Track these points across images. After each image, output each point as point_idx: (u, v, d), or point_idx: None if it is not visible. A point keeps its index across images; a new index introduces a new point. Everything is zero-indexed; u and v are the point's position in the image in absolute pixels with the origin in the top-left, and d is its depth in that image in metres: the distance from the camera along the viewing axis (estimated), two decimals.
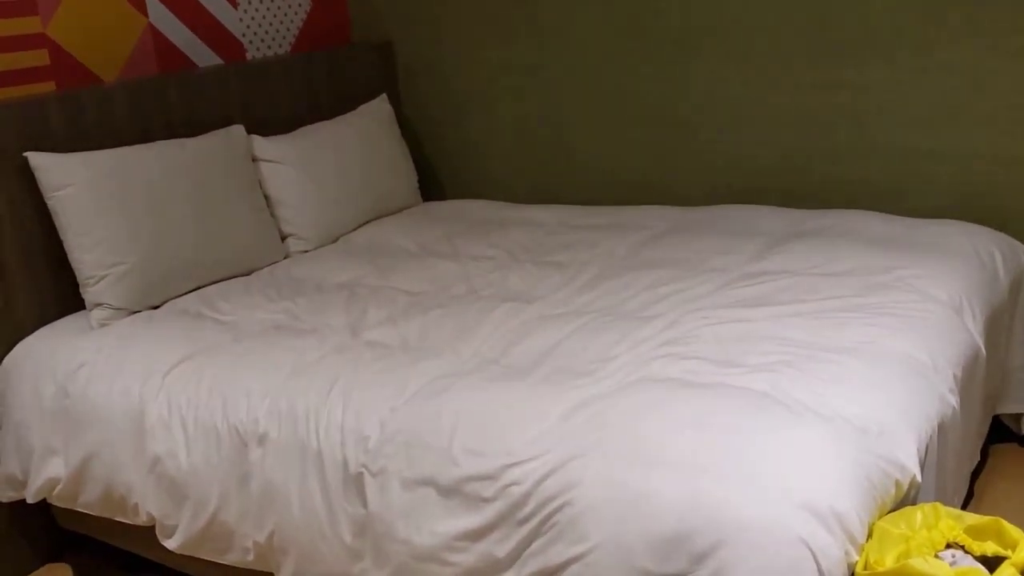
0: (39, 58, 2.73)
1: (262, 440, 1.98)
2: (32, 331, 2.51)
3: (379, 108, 3.44)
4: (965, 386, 2.01)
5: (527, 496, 1.66)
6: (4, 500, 2.45)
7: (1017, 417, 2.63)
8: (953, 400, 1.90)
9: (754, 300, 2.21)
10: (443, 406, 1.86)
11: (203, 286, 2.68)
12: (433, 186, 3.79)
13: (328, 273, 2.76)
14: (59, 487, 2.30)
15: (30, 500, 2.37)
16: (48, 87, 2.76)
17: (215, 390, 2.10)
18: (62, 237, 2.49)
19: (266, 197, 2.97)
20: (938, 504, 1.58)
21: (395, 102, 3.72)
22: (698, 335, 2.04)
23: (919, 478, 1.67)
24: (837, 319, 2.05)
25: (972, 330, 2.15)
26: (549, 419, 1.76)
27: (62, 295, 2.59)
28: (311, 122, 3.31)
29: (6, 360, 2.45)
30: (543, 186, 3.54)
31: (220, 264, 2.71)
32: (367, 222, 3.23)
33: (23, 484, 2.38)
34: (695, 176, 3.23)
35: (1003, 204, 2.78)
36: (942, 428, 1.83)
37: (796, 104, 3.00)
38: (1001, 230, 2.75)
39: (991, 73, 2.70)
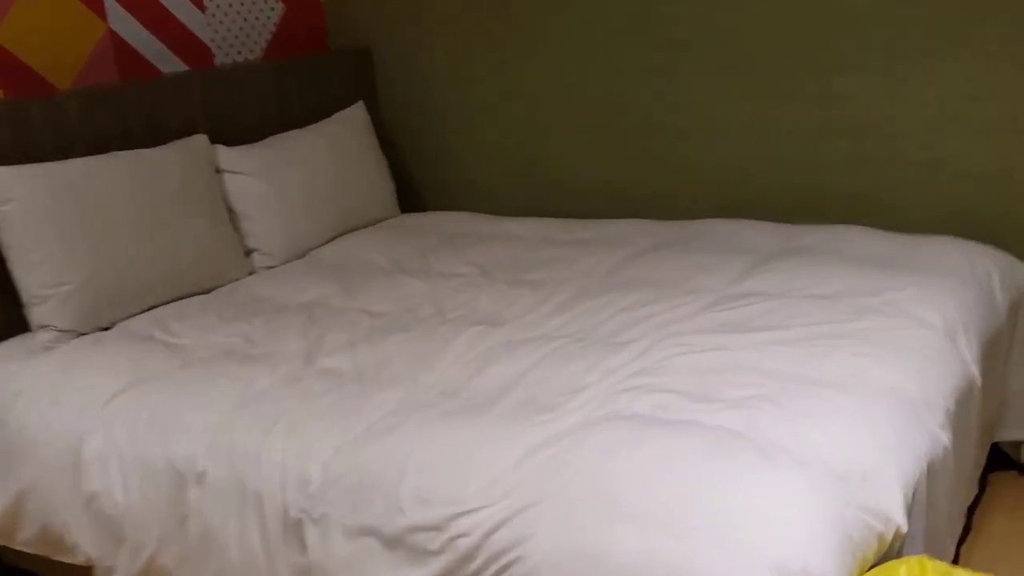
0: None
1: (200, 479, 1.86)
2: None
3: (354, 116, 3.31)
4: (959, 420, 1.90)
5: (475, 549, 1.54)
6: None
7: (1017, 444, 2.52)
8: (945, 437, 1.78)
9: (735, 325, 2.09)
10: (393, 446, 1.74)
11: (158, 305, 2.56)
12: (412, 197, 3.69)
13: (292, 292, 2.64)
14: None
15: None
16: None
17: (154, 423, 1.98)
18: (4, 255, 2.38)
19: (230, 210, 2.86)
20: (924, 558, 1.46)
21: (373, 110, 3.60)
22: (673, 365, 1.92)
23: (904, 529, 1.55)
24: (822, 348, 1.93)
25: (967, 358, 2.04)
26: (505, 462, 1.63)
27: (8, 315, 2.46)
28: (284, 132, 3.18)
29: None
30: (526, 198, 3.45)
31: (176, 282, 2.59)
32: (339, 235, 3.11)
33: None
34: (683, 189, 3.15)
35: (1002, 218, 2.70)
36: (932, 469, 1.71)
37: (789, 116, 2.92)
38: (1000, 246, 2.65)
39: (989, 84, 2.63)
